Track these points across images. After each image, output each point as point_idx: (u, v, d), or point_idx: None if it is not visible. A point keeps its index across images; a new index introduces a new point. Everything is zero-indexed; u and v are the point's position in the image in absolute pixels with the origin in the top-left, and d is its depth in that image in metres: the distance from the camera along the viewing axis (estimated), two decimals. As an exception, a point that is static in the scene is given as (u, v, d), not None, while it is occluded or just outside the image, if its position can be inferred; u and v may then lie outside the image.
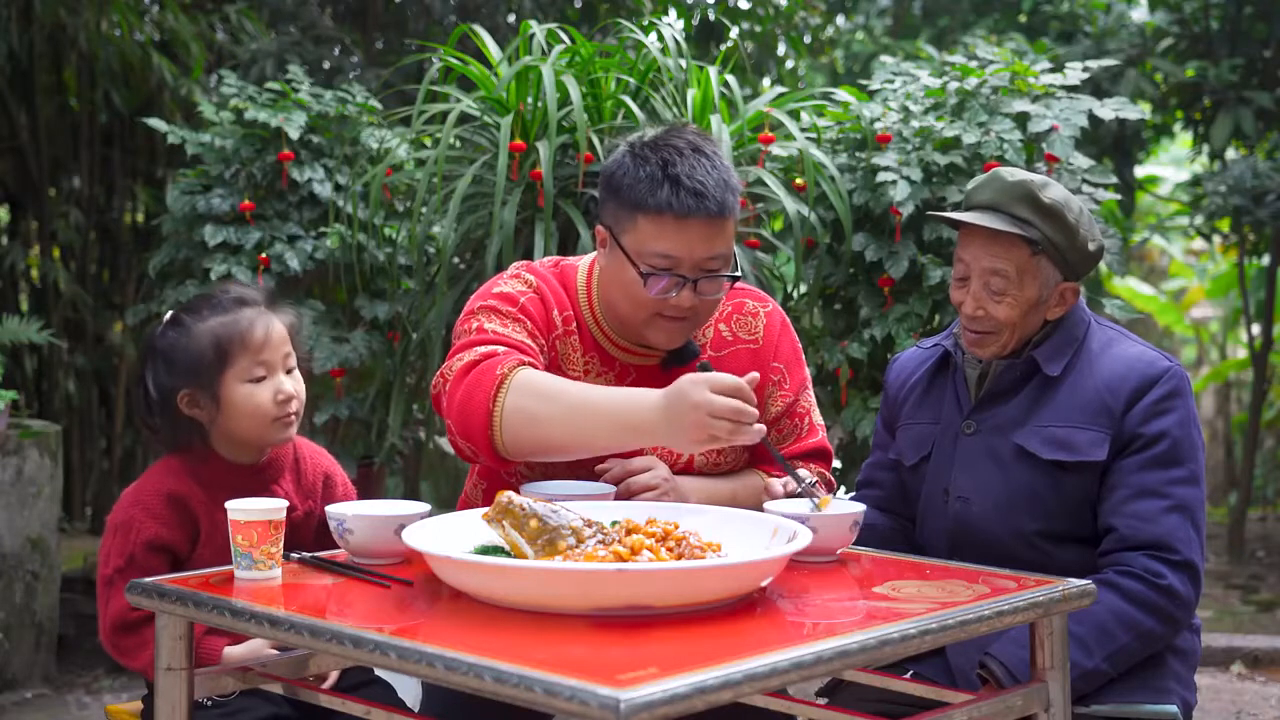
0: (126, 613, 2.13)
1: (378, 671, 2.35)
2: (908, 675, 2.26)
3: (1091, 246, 2.31)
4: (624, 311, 2.33)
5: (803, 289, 3.88)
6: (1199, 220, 7.53)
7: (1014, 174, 2.29)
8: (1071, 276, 2.31)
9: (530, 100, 3.73)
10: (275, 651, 2.09)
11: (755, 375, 2.03)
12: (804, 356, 2.54)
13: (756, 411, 1.98)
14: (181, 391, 2.20)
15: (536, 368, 2.23)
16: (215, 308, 2.22)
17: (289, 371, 2.24)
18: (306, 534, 2.30)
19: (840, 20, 9.78)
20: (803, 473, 2.21)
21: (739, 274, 2.31)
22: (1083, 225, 2.29)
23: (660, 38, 3.83)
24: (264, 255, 3.99)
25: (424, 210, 3.78)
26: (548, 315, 2.36)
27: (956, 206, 3.66)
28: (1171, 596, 2.19)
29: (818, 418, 2.52)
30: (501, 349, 2.23)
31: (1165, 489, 2.22)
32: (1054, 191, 2.27)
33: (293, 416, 2.23)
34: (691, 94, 3.78)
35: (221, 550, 2.10)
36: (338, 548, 2.02)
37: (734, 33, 6.93)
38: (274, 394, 2.20)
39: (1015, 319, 2.29)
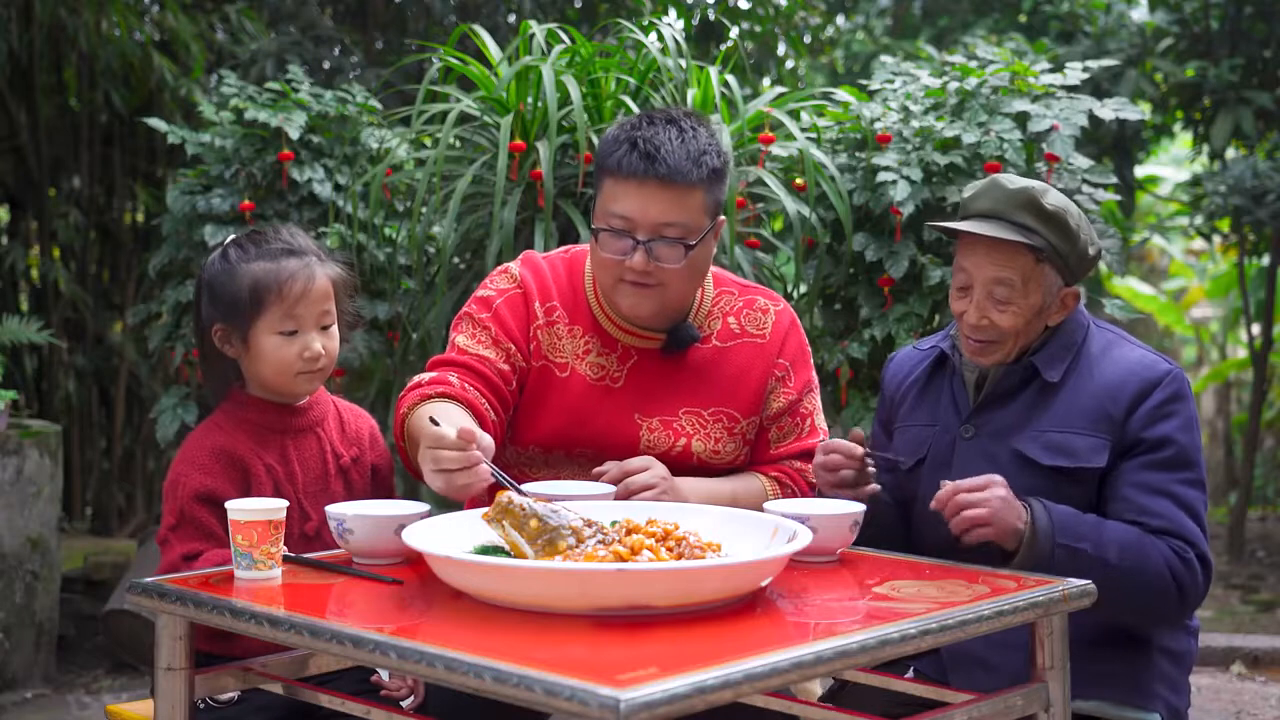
0: (174, 570, 2.13)
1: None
2: (908, 674, 2.26)
3: (1091, 250, 2.29)
4: (599, 279, 2.40)
5: (803, 289, 3.88)
6: (1199, 220, 7.53)
7: (1014, 180, 2.27)
8: (1072, 281, 2.30)
9: (530, 100, 3.73)
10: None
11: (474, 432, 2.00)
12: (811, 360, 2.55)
13: (453, 456, 1.97)
14: (216, 325, 2.25)
15: (452, 392, 2.28)
16: (263, 251, 2.25)
17: (325, 328, 2.26)
18: (360, 480, 2.33)
19: (840, 20, 9.78)
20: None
21: (693, 242, 2.31)
22: (1083, 230, 2.28)
23: (660, 38, 3.83)
24: (264, 255, 3.99)
25: (424, 210, 3.78)
26: (527, 308, 2.43)
27: (956, 209, 3.66)
28: (1191, 571, 2.17)
29: (821, 421, 2.52)
30: (428, 377, 2.34)
31: (1172, 488, 2.21)
32: (1055, 197, 2.26)
33: (318, 372, 2.26)
34: (691, 94, 3.78)
35: (276, 494, 2.19)
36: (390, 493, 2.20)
37: (734, 33, 6.93)
38: (300, 350, 2.23)
39: (1019, 327, 2.27)
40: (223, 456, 2.20)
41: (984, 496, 2.10)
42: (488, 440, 2.02)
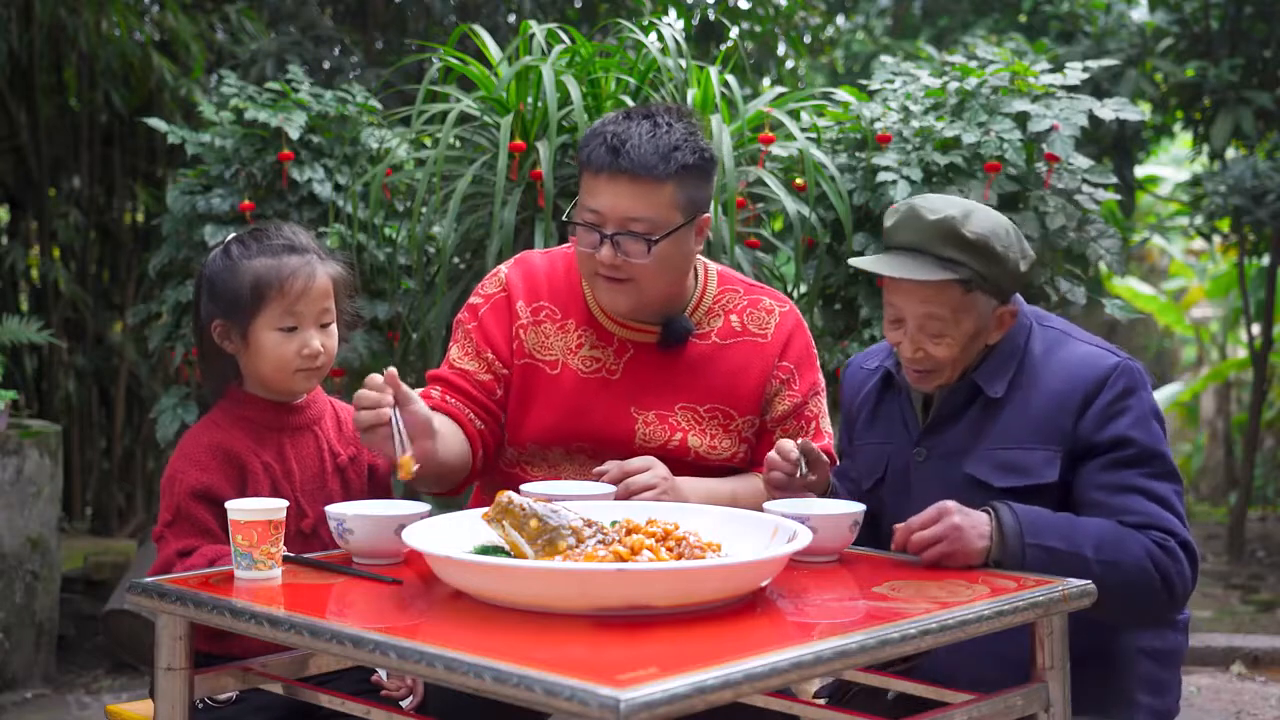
0: (168, 566, 2.13)
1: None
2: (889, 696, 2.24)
3: (1023, 266, 2.21)
4: (581, 273, 2.42)
5: (803, 289, 3.88)
6: (1199, 220, 7.53)
7: (934, 209, 2.17)
8: (1006, 299, 2.23)
9: (530, 100, 3.73)
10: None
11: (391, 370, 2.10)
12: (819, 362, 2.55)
13: (367, 395, 2.06)
14: (216, 321, 2.26)
15: (432, 404, 2.36)
16: (265, 248, 2.25)
17: (324, 326, 2.27)
18: (356, 479, 2.34)
19: (840, 20, 9.77)
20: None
21: (657, 238, 2.30)
22: (1011, 249, 2.18)
23: (660, 38, 3.83)
24: (264, 255, 3.99)
25: (424, 210, 3.78)
26: (510, 310, 2.46)
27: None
28: (1175, 559, 2.11)
29: (826, 425, 2.52)
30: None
31: (1139, 482, 2.15)
32: (977, 222, 2.16)
33: (316, 370, 2.26)
34: (691, 94, 3.78)
35: (273, 492, 2.20)
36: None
37: (734, 33, 6.93)
38: (300, 347, 2.23)
39: (956, 355, 2.21)
40: (220, 453, 2.20)
41: (937, 531, 2.04)
42: (423, 411, 2.10)
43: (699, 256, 2.51)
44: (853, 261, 2.29)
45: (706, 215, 2.39)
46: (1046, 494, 2.18)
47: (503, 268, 2.52)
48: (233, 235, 2.31)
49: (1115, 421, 2.17)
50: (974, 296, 2.18)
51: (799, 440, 2.25)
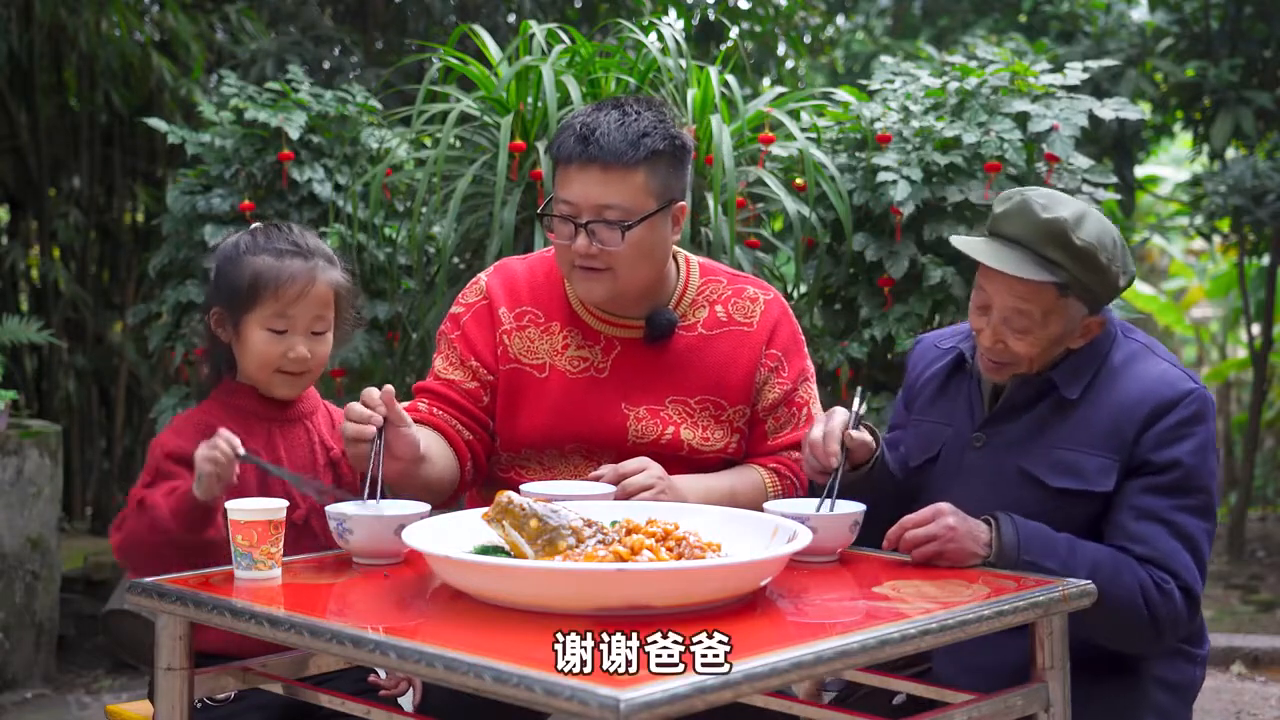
0: (134, 502, 2.12)
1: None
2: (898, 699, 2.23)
3: (1123, 281, 2.18)
4: (559, 266, 2.42)
5: (803, 289, 3.88)
6: (1199, 220, 7.53)
7: (1048, 207, 2.13)
8: (1098, 310, 2.20)
9: (530, 100, 3.73)
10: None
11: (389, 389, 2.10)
12: (806, 349, 2.54)
13: (357, 409, 2.07)
14: (215, 308, 2.28)
15: (420, 417, 2.37)
16: (272, 247, 2.26)
17: (317, 334, 2.27)
18: (350, 474, 2.34)
19: (840, 20, 9.78)
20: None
21: (629, 223, 2.30)
22: (1115, 261, 2.15)
23: (660, 38, 3.83)
24: (264, 255, 3.99)
25: (424, 210, 3.78)
26: (492, 317, 2.45)
27: (961, 209, 3.66)
28: (1168, 600, 2.10)
29: (818, 410, 2.50)
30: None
31: (1169, 515, 2.12)
32: (1088, 230, 2.13)
33: (299, 376, 2.27)
34: (691, 94, 3.78)
35: (259, 481, 2.19)
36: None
37: (734, 33, 6.93)
38: (286, 350, 2.24)
39: (1035, 354, 2.18)
40: (205, 430, 2.18)
41: (930, 530, 2.03)
42: (412, 435, 2.10)
43: (680, 249, 2.51)
44: (955, 240, 2.23)
45: (683, 203, 2.39)
46: (1097, 502, 2.16)
47: (482, 276, 2.51)
48: (253, 225, 2.33)
49: (1177, 445, 2.14)
50: (1067, 301, 2.15)
51: (849, 428, 2.16)
